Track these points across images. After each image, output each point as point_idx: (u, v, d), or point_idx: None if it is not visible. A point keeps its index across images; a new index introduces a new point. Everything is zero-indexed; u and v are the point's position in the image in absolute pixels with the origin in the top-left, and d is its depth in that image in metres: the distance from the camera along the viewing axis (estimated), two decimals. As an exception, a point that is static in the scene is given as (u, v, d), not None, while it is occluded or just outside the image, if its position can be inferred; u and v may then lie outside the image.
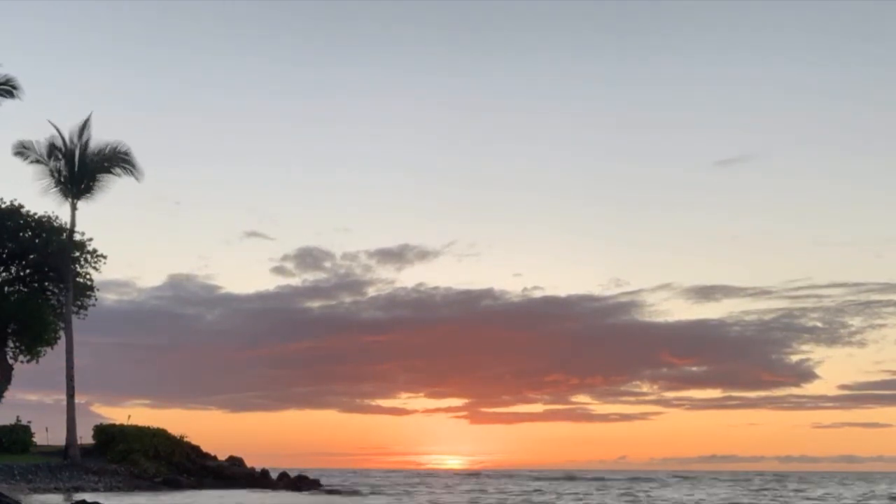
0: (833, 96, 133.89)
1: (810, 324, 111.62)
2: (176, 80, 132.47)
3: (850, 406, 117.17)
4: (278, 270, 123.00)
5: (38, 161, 50.52)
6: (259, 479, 52.02)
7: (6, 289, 50.58)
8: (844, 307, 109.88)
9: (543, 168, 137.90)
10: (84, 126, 51.08)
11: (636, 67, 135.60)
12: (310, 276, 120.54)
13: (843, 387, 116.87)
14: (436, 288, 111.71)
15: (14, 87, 44.87)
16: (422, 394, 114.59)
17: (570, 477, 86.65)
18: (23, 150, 50.12)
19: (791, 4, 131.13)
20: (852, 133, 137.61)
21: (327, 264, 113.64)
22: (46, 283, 51.83)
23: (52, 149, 50.42)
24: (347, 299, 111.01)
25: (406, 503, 44.96)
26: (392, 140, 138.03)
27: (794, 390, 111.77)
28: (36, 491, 39.72)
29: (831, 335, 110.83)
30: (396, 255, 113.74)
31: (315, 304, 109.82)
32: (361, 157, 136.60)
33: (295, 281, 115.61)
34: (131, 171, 51.71)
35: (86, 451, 50.17)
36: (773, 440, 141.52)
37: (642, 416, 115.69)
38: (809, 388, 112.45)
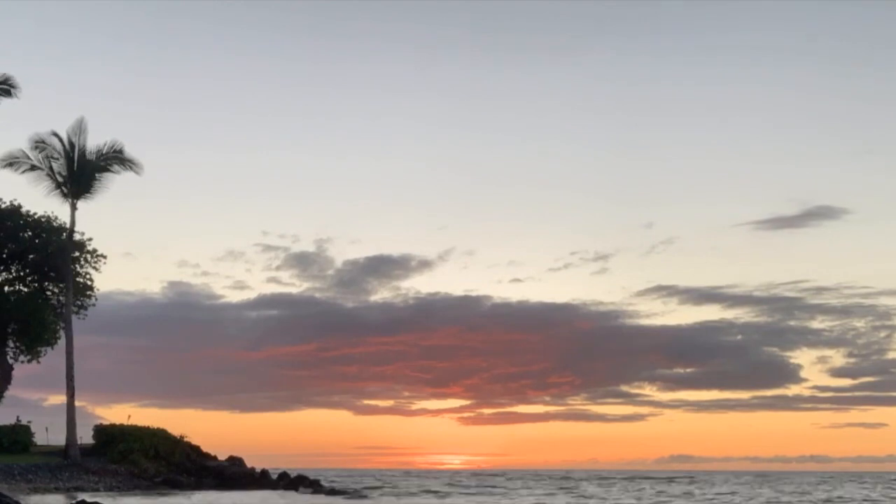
0: (832, 94, 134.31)
1: (814, 325, 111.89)
2: (175, 80, 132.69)
3: (848, 406, 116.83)
4: (281, 276, 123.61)
5: (32, 168, 50.40)
6: (259, 480, 51.99)
7: (6, 289, 50.58)
8: (850, 309, 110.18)
9: (543, 173, 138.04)
10: (81, 126, 51.08)
11: (636, 66, 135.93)
12: (312, 283, 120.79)
13: (842, 388, 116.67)
14: (436, 293, 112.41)
15: (12, 86, 44.87)
16: (424, 395, 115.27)
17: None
18: (13, 162, 49.87)
19: (791, 5, 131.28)
20: (853, 131, 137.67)
21: (330, 272, 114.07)
22: (46, 283, 51.81)
23: (49, 150, 50.33)
24: (350, 304, 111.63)
25: (404, 503, 45.02)
26: (392, 146, 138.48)
27: (793, 392, 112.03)
28: (36, 491, 39.72)
29: (833, 337, 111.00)
30: (397, 262, 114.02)
31: (318, 308, 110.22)
32: (363, 163, 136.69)
33: (297, 287, 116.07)
34: (130, 167, 51.72)
35: (86, 451, 50.11)
36: (774, 441, 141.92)
37: (641, 417, 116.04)
38: (810, 389, 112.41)
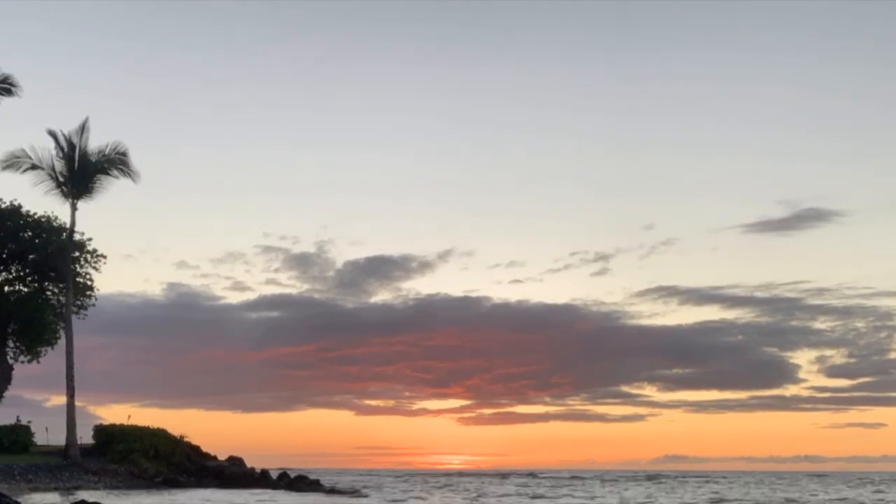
0: (836, 95, 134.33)
1: (814, 326, 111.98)
2: (175, 80, 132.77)
3: (847, 407, 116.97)
4: (281, 277, 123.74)
5: (32, 167, 50.41)
6: (259, 480, 52.03)
7: (6, 289, 50.60)
8: (851, 309, 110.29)
9: (543, 173, 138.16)
10: (83, 127, 51.15)
11: (635, 66, 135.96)
12: (312, 284, 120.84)
13: (842, 388, 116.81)
14: (437, 294, 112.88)
15: (12, 85, 44.91)
16: (425, 395, 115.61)
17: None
18: (14, 161, 49.81)
19: (793, 5, 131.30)
20: (854, 132, 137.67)
21: (330, 273, 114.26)
22: (46, 283, 51.83)
23: (50, 150, 50.52)
24: (350, 305, 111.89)
25: (404, 503, 45.04)
26: (392, 148, 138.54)
27: (794, 392, 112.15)
28: (36, 491, 39.70)
29: (835, 337, 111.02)
30: (398, 263, 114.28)
31: (319, 309, 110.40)
32: (363, 165, 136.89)
33: (298, 288, 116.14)
34: (128, 174, 51.76)
35: (86, 451, 50.15)
36: (772, 441, 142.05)
37: (640, 418, 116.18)
38: (809, 390, 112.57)
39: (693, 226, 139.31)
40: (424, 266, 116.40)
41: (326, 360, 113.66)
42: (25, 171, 50.27)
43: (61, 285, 51.05)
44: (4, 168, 49.84)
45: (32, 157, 50.23)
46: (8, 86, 44.56)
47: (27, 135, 50.39)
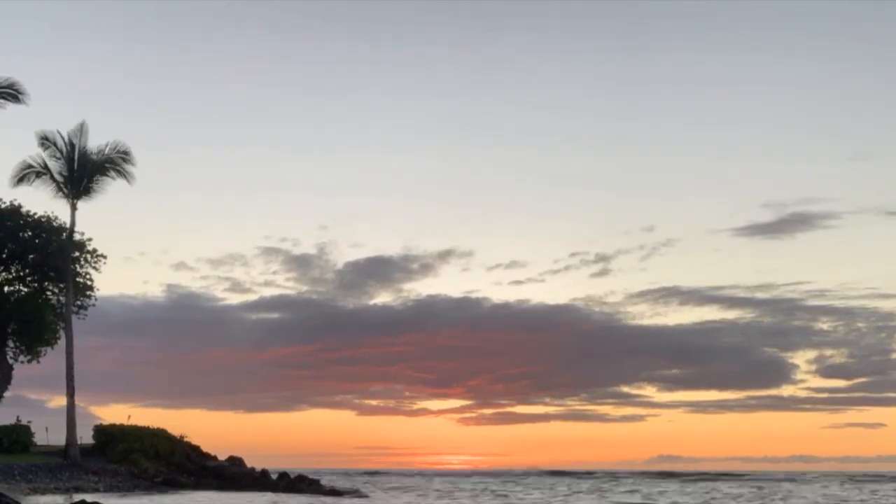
0: (837, 95, 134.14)
1: (815, 327, 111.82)
2: (175, 80, 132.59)
3: (846, 407, 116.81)
4: (282, 278, 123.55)
5: (38, 175, 50.56)
6: (259, 480, 52.01)
7: (6, 289, 50.67)
8: (852, 310, 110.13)
9: (543, 174, 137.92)
10: (82, 128, 51.32)
11: (635, 66, 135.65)
12: (313, 286, 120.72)
13: (841, 388, 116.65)
14: (437, 294, 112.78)
15: (19, 92, 44.89)
16: (425, 396, 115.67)
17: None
18: (24, 175, 50.07)
19: (796, 5, 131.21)
20: (854, 133, 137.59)
21: (330, 274, 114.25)
22: (46, 283, 51.89)
23: (50, 151, 50.56)
24: (351, 306, 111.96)
25: (404, 503, 45.07)
26: (392, 149, 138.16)
27: (793, 393, 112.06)
28: (36, 491, 39.74)
29: (836, 338, 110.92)
30: (398, 264, 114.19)
31: (319, 310, 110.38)
32: (363, 166, 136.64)
33: (298, 289, 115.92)
34: (123, 175, 51.80)
35: (86, 451, 50.19)
36: (770, 442, 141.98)
37: (640, 418, 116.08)
38: (809, 391, 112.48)
39: (693, 227, 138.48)
40: (424, 267, 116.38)
41: (327, 361, 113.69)
42: (33, 181, 50.64)
43: (61, 285, 51.11)
44: (16, 185, 50.31)
45: (36, 164, 50.44)
46: (14, 92, 44.61)
47: (26, 135, 50.25)
